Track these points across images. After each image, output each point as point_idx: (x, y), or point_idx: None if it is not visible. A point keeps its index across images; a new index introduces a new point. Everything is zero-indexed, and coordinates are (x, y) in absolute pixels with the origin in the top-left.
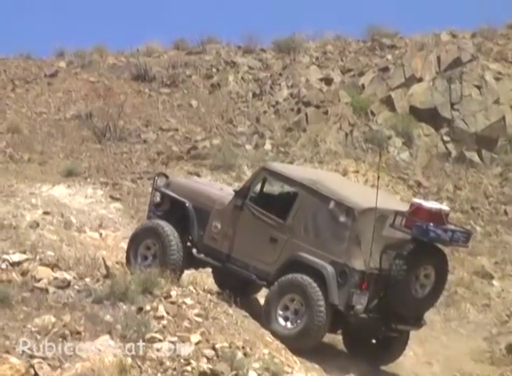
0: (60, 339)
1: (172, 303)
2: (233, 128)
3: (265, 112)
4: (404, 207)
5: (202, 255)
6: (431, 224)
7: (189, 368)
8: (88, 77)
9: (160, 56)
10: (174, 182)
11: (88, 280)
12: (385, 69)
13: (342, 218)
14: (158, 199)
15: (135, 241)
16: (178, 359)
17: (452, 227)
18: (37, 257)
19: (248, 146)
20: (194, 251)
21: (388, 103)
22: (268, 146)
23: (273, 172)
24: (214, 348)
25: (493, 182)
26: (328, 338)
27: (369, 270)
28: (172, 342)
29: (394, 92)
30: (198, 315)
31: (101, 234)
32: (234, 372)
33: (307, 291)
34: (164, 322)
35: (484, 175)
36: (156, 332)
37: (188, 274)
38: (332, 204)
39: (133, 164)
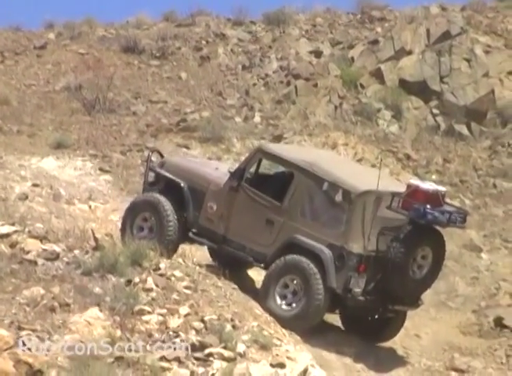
0: (49, 311)
1: (161, 275)
2: (223, 100)
3: (254, 84)
4: (401, 188)
5: (197, 236)
6: (428, 206)
7: (177, 340)
8: (78, 49)
9: (150, 28)
10: (168, 161)
11: (77, 252)
12: (375, 42)
13: (339, 201)
14: (152, 178)
15: (133, 211)
16: (166, 331)
17: (449, 208)
18: (26, 229)
19: (237, 119)
20: (190, 232)
21: (378, 75)
22: (257, 118)
23: (269, 154)
24: (202, 321)
25: (482, 155)
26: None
27: (366, 253)
28: (161, 314)
29: (384, 64)
30: (187, 287)
31: (90, 206)
32: (223, 344)
33: (306, 274)
34: (153, 294)
35: (474, 148)
36: (145, 304)
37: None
38: (328, 187)
39: (122, 136)
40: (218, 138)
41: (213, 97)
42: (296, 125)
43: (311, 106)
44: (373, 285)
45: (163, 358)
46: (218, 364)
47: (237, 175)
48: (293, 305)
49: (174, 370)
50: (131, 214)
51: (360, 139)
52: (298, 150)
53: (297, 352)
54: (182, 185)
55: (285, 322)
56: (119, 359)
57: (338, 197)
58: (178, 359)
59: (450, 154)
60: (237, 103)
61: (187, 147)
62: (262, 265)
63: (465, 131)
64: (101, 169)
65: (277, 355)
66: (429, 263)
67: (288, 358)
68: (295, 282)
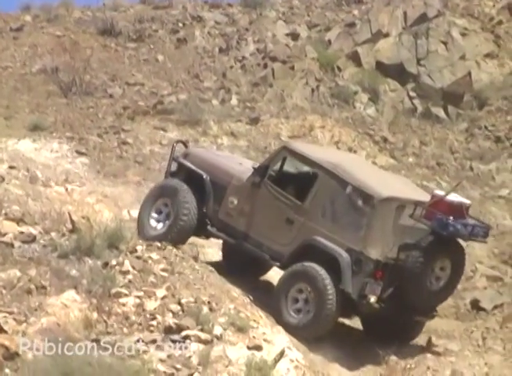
0: (26, 294)
1: (138, 258)
2: (200, 83)
3: (231, 67)
4: (424, 197)
5: (216, 230)
6: (451, 218)
7: (154, 323)
8: (54, 31)
9: (127, 10)
10: (192, 152)
11: (53, 234)
12: (352, 24)
13: (361, 206)
14: (175, 168)
15: (154, 195)
16: (143, 313)
17: (472, 221)
18: (3, 211)
19: (214, 101)
20: (208, 226)
21: (355, 58)
22: (234, 101)
23: (294, 152)
24: (179, 303)
25: (459, 137)
26: None
27: (384, 260)
28: (138, 297)
29: (361, 47)
30: (164, 270)
31: (67, 189)
32: (199, 327)
33: (317, 283)
34: (130, 277)
35: (450, 130)
36: (121, 287)
37: None
38: (351, 190)
39: (99, 118)
40: (194, 120)
41: (190, 80)
42: (273, 108)
43: (288, 88)
44: (389, 293)
45: (140, 340)
46: (194, 347)
47: (260, 171)
48: (304, 313)
49: (151, 353)
50: (153, 197)
51: (337, 122)
52: (324, 151)
53: (274, 335)
54: (204, 177)
55: (295, 330)
56: (96, 341)
57: (360, 201)
58: (154, 342)
59: (427, 137)
60: (214, 85)
61: (164, 130)
62: (278, 264)
63: (442, 113)
64: (77, 152)
65: (254, 337)
66: (447, 275)
67: (265, 340)
68: (307, 290)
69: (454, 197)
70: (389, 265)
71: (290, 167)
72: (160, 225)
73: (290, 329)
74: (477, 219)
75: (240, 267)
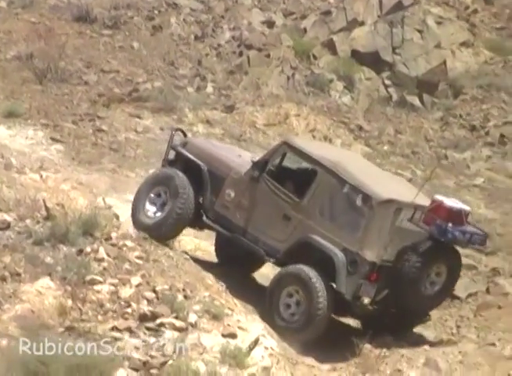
0: (0, 281)
1: (113, 245)
2: (175, 70)
3: (206, 54)
4: (423, 201)
5: (211, 222)
6: (450, 224)
7: (129, 310)
8: (29, 17)
9: None
10: (191, 142)
11: (28, 221)
12: (327, 12)
13: (359, 206)
14: (172, 156)
15: (150, 183)
16: (118, 301)
17: (470, 229)
18: None
19: (190, 89)
20: (204, 217)
21: (330, 46)
22: (209, 88)
23: (294, 148)
24: (154, 291)
25: (434, 126)
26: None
27: (380, 262)
28: (113, 284)
29: (336, 35)
30: (139, 257)
31: (41, 176)
32: (174, 314)
33: (307, 285)
34: (105, 264)
35: (425, 119)
36: (96, 274)
37: (130, 216)
38: (349, 189)
39: (74, 105)
40: (170, 108)
41: (165, 67)
42: (248, 96)
43: (264, 76)
44: (383, 296)
45: (114, 328)
46: (169, 334)
47: (259, 165)
48: (296, 316)
49: (126, 340)
50: (149, 185)
51: (312, 110)
52: (325, 148)
53: (249, 323)
54: (201, 167)
55: (287, 333)
56: (70, 328)
57: (359, 202)
58: (129, 329)
59: (402, 125)
60: (189, 73)
61: (139, 117)
62: (273, 260)
63: (417, 102)
64: (52, 139)
65: (228, 325)
66: (442, 281)
67: (239, 328)
68: (298, 293)
69: (454, 203)
70: (384, 267)
71: (290, 162)
72: (155, 214)
73: (282, 332)
74: (476, 226)
75: (233, 260)
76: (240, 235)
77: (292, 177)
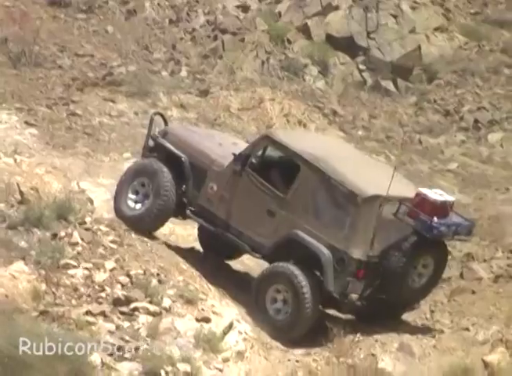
0: None
1: (87, 230)
2: (149, 54)
3: (181, 39)
4: (410, 190)
5: (195, 215)
6: (435, 219)
7: (103, 295)
8: (3, 1)
9: None
10: (171, 132)
11: (2, 205)
12: None
13: (344, 203)
14: (153, 144)
15: (132, 174)
16: (92, 285)
17: (456, 219)
18: None
19: (164, 73)
20: (188, 210)
21: (305, 31)
22: (184, 72)
23: (276, 142)
24: (128, 275)
25: (408, 111)
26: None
27: (367, 259)
28: (87, 269)
29: (311, 20)
30: (113, 242)
31: (16, 160)
32: (148, 299)
33: (293, 284)
34: (79, 248)
35: (400, 104)
36: (70, 258)
37: (104, 201)
38: (333, 186)
39: (48, 89)
40: (144, 92)
41: (139, 51)
42: (223, 80)
43: (238, 61)
44: (370, 291)
45: (88, 312)
46: (143, 319)
47: (241, 159)
48: (283, 313)
49: (100, 325)
50: (130, 176)
51: (287, 95)
52: (308, 141)
53: (223, 307)
54: (183, 160)
55: (274, 330)
56: (44, 313)
57: (343, 199)
58: (103, 314)
59: (376, 110)
60: (164, 57)
61: (113, 101)
62: (259, 255)
63: (391, 87)
64: (27, 123)
65: (202, 309)
66: (429, 272)
67: (213, 313)
68: (284, 291)
69: (438, 196)
70: (371, 263)
71: (274, 154)
72: (137, 206)
73: (270, 330)
74: (461, 215)
75: (216, 248)
76: (224, 229)
77: (276, 169)
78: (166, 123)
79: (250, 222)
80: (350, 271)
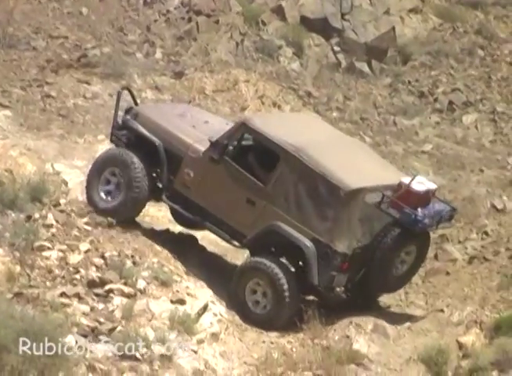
0: None
1: (61, 211)
2: (124, 36)
3: (155, 21)
4: (394, 176)
5: (171, 201)
6: (419, 211)
7: (77, 276)
8: None
9: None
10: (143, 113)
11: None
12: None
13: (327, 197)
14: (120, 122)
15: (102, 164)
16: (66, 267)
17: (438, 207)
18: None
19: (139, 55)
20: (163, 195)
21: (279, 12)
22: (158, 54)
23: (253, 130)
24: (103, 257)
25: (383, 92)
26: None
27: (351, 252)
28: (61, 250)
29: (285, 1)
30: (87, 223)
31: None
32: (123, 280)
33: (270, 279)
34: (53, 230)
35: (374, 85)
36: (45, 240)
37: (78, 183)
38: (316, 179)
39: (22, 71)
40: (119, 74)
41: (114, 33)
42: (197, 62)
43: (213, 42)
44: (354, 281)
45: (63, 294)
46: (118, 300)
47: (218, 146)
48: (263, 306)
49: (74, 306)
50: (101, 166)
51: (261, 76)
52: (286, 127)
53: (198, 289)
54: (157, 144)
55: (261, 322)
56: (18, 295)
57: (327, 192)
58: (77, 296)
59: (351, 92)
60: (138, 39)
61: (88, 83)
62: (239, 244)
63: (366, 68)
64: (0, 104)
65: (177, 291)
66: (412, 259)
67: (188, 294)
68: (262, 285)
69: (421, 186)
70: (355, 254)
71: (251, 141)
72: (110, 197)
73: (255, 323)
74: (442, 201)
75: (190, 223)
76: (203, 216)
77: (253, 156)
78: (134, 98)
79: (230, 210)
80: (335, 265)
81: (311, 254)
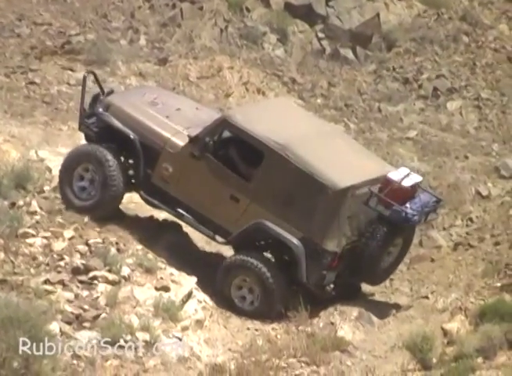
0: None
1: (45, 198)
2: (108, 23)
3: (139, 7)
4: (380, 169)
5: (149, 196)
6: (408, 206)
7: (62, 263)
8: None
9: None
10: (114, 104)
11: None
12: None
13: (315, 196)
14: (91, 113)
15: (75, 160)
16: (51, 254)
17: (423, 198)
18: None
19: (123, 42)
20: (141, 193)
21: None
22: (142, 41)
23: (235, 127)
24: (87, 244)
25: (367, 79)
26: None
27: (341, 249)
28: (45, 237)
29: None
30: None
31: None
32: (107, 268)
33: (257, 277)
34: (37, 217)
35: (359, 72)
36: (29, 227)
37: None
38: (302, 178)
39: (6, 58)
40: (103, 61)
41: (98, 19)
42: (181, 48)
43: (197, 29)
44: (342, 277)
45: (47, 281)
46: (102, 287)
47: (198, 142)
48: (250, 302)
49: (59, 293)
50: (73, 163)
51: (246, 63)
52: (269, 121)
53: (182, 276)
54: (132, 138)
55: (246, 314)
56: (2, 282)
57: (314, 191)
58: (62, 283)
59: (335, 78)
60: (122, 25)
61: (72, 70)
62: (223, 241)
63: (350, 55)
64: None
65: (161, 278)
66: (398, 250)
67: (173, 281)
68: (248, 282)
69: (408, 180)
70: (344, 251)
71: (232, 136)
72: (85, 194)
73: (241, 314)
74: (427, 191)
75: None
76: (184, 212)
77: (235, 151)
78: (99, 83)
79: (213, 206)
80: (325, 264)
81: (301, 253)
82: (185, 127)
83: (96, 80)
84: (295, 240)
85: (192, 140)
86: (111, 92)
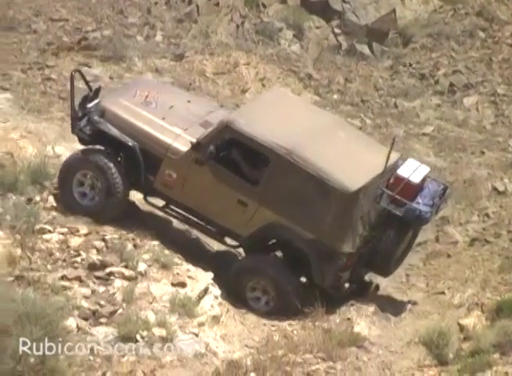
0: None
1: None
2: (124, 18)
3: (156, 3)
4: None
5: (151, 200)
6: (420, 201)
7: (78, 259)
8: None
9: None
10: (109, 110)
11: None
12: None
13: (327, 199)
14: (78, 110)
15: (74, 167)
16: (67, 250)
17: (432, 187)
18: None
19: (139, 38)
20: (144, 197)
21: None
22: (158, 37)
23: (238, 133)
24: (103, 240)
25: (383, 74)
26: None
27: (355, 249)
28: (62, 233)
29: None
30: None
31: None
32: (124, 263)
33: (270, 279)
34: (54, 213)
35: (375, 67)
36: (45, 223)
37: None
38: (312, 182)
39: (23, 54)
40: (119, 56)
41: (114, 15)
42: (197, 44)
43: (213, 25)
44: (356, 273)
45: (63, 277)
46: (118, 283)
47: (201, 149)
48: (266, 302)
49: (75, 289)
50: (72, 169)
51: (262, 59)
52: (272, 121)
53: (198, 272)
54: (132, 146)
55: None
56: (19, 278)
57: (326, 195)
58: (78, 278)
59: (351, 74)
60: (138, 21)
61: (88, 66)
62: (235, 244)
63: (366, 50)
64: (1, 87)
65: (178, 274)
66: (407, 242)
67: (189, 277)
68: (263, 285)
69: (417, 174)
70: (359, 248)
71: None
72: (87, 200)
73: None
74: (435, 180)
75: None
76: (192, 216)
77: (240, 155)
78: (87, 82)
79: (220, 210)
80: (340, 265)
81: (315, 256)
82: (183, 128)
83: (83, 78)
84: (310, 244)
85: (195, 146)
86: (98, 89)
